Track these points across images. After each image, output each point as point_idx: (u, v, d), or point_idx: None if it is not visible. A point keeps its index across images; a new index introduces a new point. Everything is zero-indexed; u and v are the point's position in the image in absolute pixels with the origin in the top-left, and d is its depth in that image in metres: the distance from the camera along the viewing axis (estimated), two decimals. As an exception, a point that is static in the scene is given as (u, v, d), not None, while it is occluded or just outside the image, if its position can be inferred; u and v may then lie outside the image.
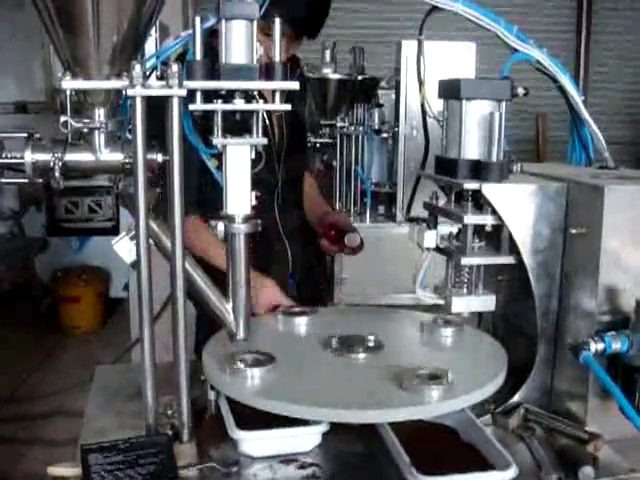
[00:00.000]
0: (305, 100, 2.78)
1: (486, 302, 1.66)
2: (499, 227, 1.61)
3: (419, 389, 1.39)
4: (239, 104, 1.44)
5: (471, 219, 1.59)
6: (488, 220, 1.59)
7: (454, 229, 1.68)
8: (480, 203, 1.60)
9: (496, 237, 1.64)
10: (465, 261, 1.61)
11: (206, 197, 2.03)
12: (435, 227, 1.68)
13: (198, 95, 1.40)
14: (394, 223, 3.69)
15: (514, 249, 1.61)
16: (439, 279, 1.73)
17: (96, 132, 1.44)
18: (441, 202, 1.68)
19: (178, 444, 1.44)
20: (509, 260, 1.62)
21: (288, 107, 1.48)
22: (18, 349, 5.16)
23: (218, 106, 1.43)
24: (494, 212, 1.58)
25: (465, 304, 1.65)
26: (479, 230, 1.63)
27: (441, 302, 1.67)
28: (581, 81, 6.68)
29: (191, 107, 1.41)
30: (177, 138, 1.37)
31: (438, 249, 1.67)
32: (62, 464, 1.40)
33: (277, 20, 1.42)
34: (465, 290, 1.66)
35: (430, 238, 1.66)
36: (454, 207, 1.66)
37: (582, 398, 1.58)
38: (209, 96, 1.43)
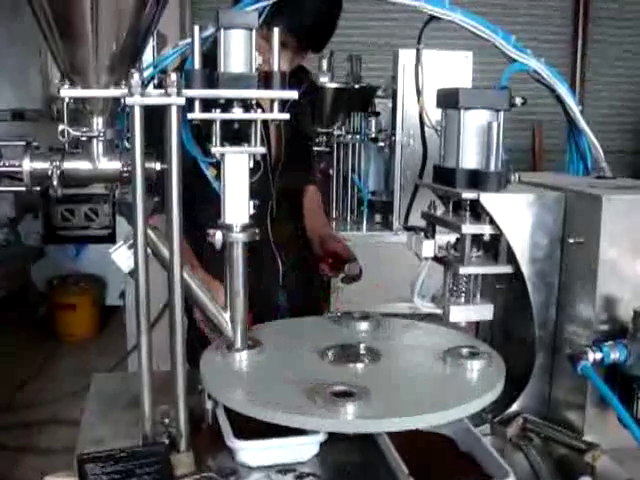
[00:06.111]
0: (313, 113, 2.73)
1: (484, 311, 1.66)
2: (497, 236, 1.61)
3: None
4: (237, 113, 1.44)
5: (469, 229, 1.59)
6: (486, 230, 1.59)
7: (452, 238, 1.68)
8: (478, 212, 1.60)
9: (494, 246, 1.63)
10: (463, 270, 1.61)
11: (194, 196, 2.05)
12: (433, 237, 1.67)
13: (197, 104, 1.40)
14: (391, 232, 3.69)
15: (512, 258, 1.61)
16: (436, 288, 1.73)
17: (94, 141, 1.43)
18: (439, 211, 1.68)
19: (175, 453, 1.43)
20: (507, 270, 1.62)
21: (286, 116, 1.48)
22: (14, 356, 5.13)
23: (216, 115, 1.43)
24: (492, 221, 1.58)
25: (463, 314, 1.65)
26: (477, 240, 1.63)
27: (439, 311, 1.67)
28: (577, 90, 6.70)
29: (190, 116, 1.41)
30: (175, 147, 1.36)
31: (436, 258, 1.67)
32: (58, 474, 1.39)
33: (276, 30, 1.42)
34: (463, 299, 1.65)
35: (428, 248, 1.65)
36: (452, 217, 1.66)
37: (580, 408, 1.58)
38: (208, 105, 1.43)
